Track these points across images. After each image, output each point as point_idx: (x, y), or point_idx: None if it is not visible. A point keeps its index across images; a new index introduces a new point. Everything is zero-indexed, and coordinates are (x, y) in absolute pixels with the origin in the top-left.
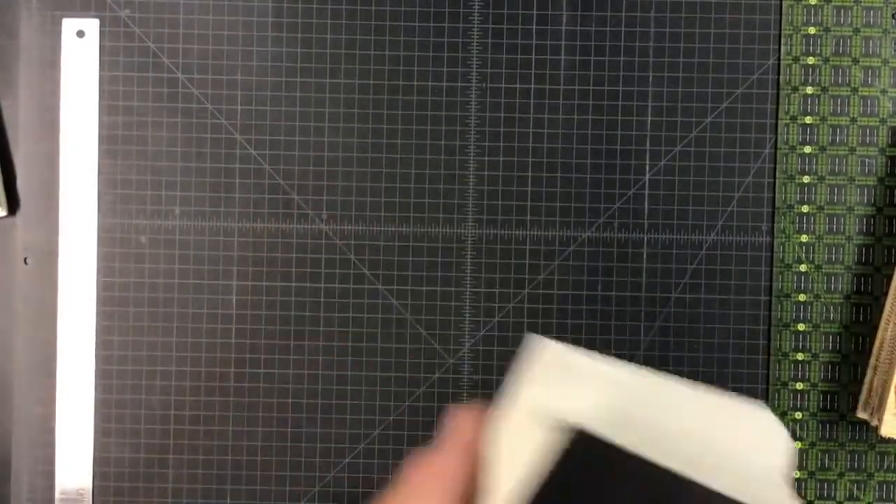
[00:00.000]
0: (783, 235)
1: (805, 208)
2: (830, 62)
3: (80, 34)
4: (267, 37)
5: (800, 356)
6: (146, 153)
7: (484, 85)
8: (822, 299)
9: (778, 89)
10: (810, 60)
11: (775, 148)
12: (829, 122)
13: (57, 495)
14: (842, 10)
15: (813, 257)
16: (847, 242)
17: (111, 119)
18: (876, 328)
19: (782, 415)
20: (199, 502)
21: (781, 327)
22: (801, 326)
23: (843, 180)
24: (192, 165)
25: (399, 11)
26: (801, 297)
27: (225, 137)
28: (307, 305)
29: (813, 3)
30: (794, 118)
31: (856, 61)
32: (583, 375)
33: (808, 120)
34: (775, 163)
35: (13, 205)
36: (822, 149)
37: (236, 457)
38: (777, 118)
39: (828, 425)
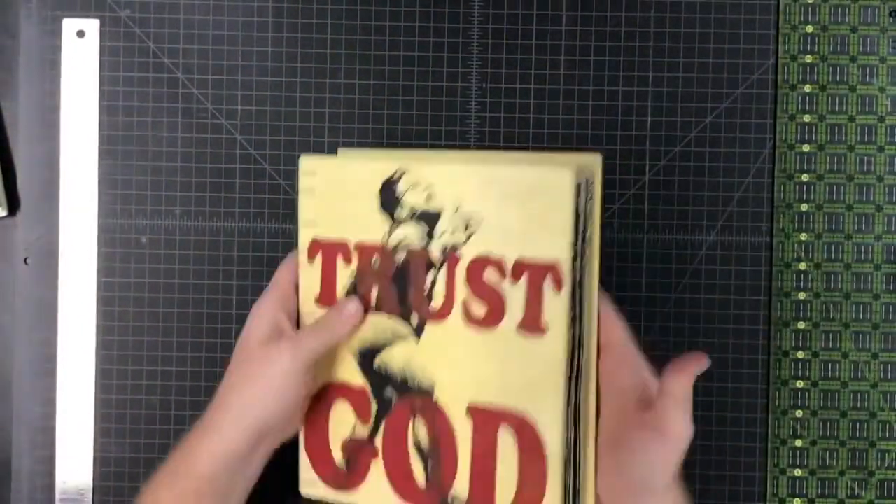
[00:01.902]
0: (782, 234)
1: (804, 207)
2: (828, 60)
3: (81, 34)
4: (267, 37)
5: (800, 354)
6: (146, 153)
7: (484, 85)
8: (822, 297)
9: (776, 88)
10: (808, 59)
11: (774, 147)
12: (827, 121)
13: (57, 495)
14: (839, 9)
15: (812, 256)
16: (846, 241)
17: (111, 119)
18: (876, 326)
19: (783, 413)
20: None
21: (781, 326)
22: (800, 325)
23: (842, 178)
24: (192, 165)
25: (399, 11)
26: (801, 296)
27: (225, 137)
28: None
29: (810, 1)
30: (792, 117)
31: (854, 59)
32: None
33: (806, 118)
34: (774, 162)
35: (13, 205)
36: (821, 147)
37: None
38: (776, 117)
39: (828, 423)
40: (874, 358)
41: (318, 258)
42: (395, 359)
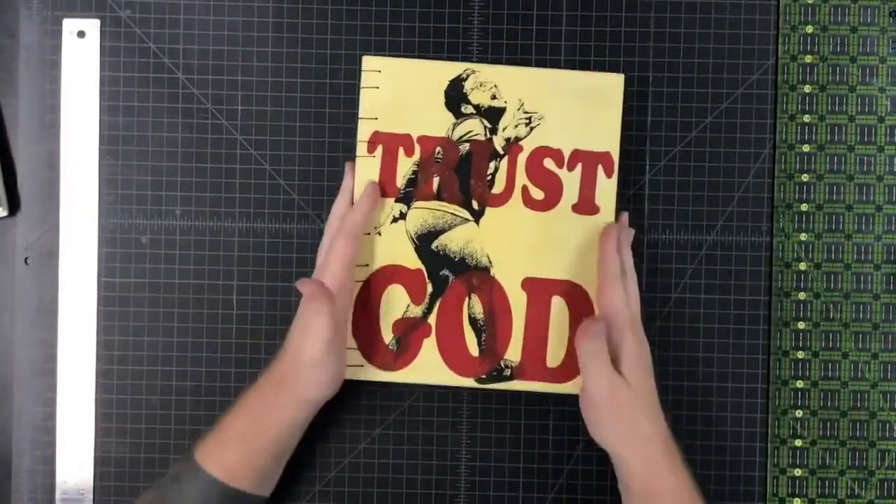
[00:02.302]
0: (782, 234)
1: (804, 207)
2: (828, 61)
3: (81, 34)
4: (267, 37)
5: (800, 354)
6: (146, 153)
7: None
8: (822, 297)
9: (776, 88)
10: (808, 59)
11: (774, 147)
12: (827, 121)
13: (57, 495)
14: (839, 9)
15: (812, 255)
16: (846, 241)
17: (111, 119)
18: (875, 326)
19: (783, 413)
20: None
21: (781, 326)
22: (800, 325)
23: (842, 178)
24: (192, 165)
25: (399, 11)
26: (801, 296)
27: (225, 137)
28: None
29: (811, 1)
30: (792, 117)
31: (853, 60)
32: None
33: (806, 119)
34: (774, 162)
35: (13, 205)
36: (821, 147)
37: None
38: (776, 117)
39: (828, 423)
40: (874, 358)
41: (379, 150)
42: (455, 241)
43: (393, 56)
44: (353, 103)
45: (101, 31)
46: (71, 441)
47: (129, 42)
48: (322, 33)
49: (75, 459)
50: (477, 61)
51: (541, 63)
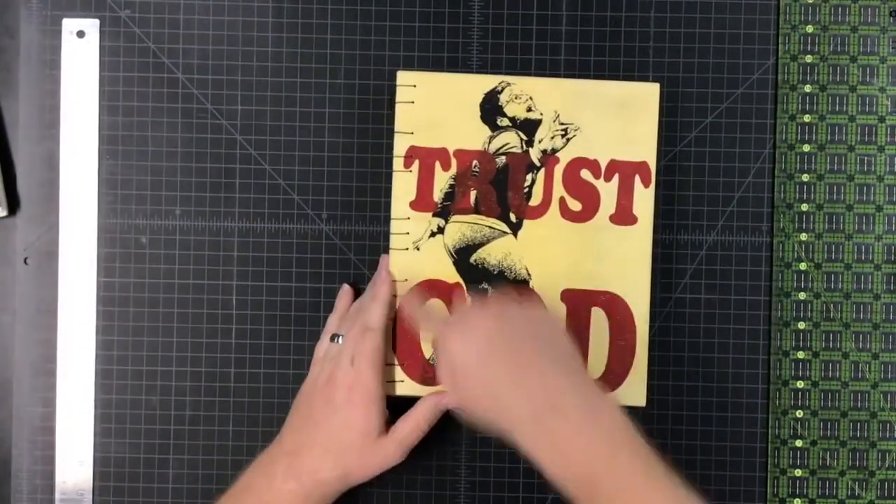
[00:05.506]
0: (782, 234)
1: (804, 207)
2: (829, 60)
3: (81, 34)
4: (267, 37)
5: (800, 354)
6: (146, 153)
7: None
8: (822, 297)
9: (776, 88)
10: (808, 59)
11: (774, 147)
12: (827, 121)
13: (57, 495)
14: (839, 9)
15: (812, 256)
16: (846, 241)
17: (111, 119)
18: (876, 326)
19: (783, 413)
20: (199, 502)
21: (781, 326)
22: (801, 325)
23: (842, 178)
24: (192, 165)
25: (399, 11)
26: (801, 296)
27: (225, 137)
28: (307, 305)
29: (811, 1)
30: (792, 117)
31: (854, 59)
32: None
33: (806, 118)
34: (774, 162)
35: (13, 205)
36: (821, 147)
37: (236, 457)
38: (776, 117)
39: (829, 423)
40: (874, 358)
41: (416, 165)
42: (493, 254)
43: (426, 71)
44: (353, 104)
45: (100, 31)
46: (71, 441)
47: (129, 42)
48: (322, 33)
49: (75, 459)
50: (478, 61)
51: (541, 64)
